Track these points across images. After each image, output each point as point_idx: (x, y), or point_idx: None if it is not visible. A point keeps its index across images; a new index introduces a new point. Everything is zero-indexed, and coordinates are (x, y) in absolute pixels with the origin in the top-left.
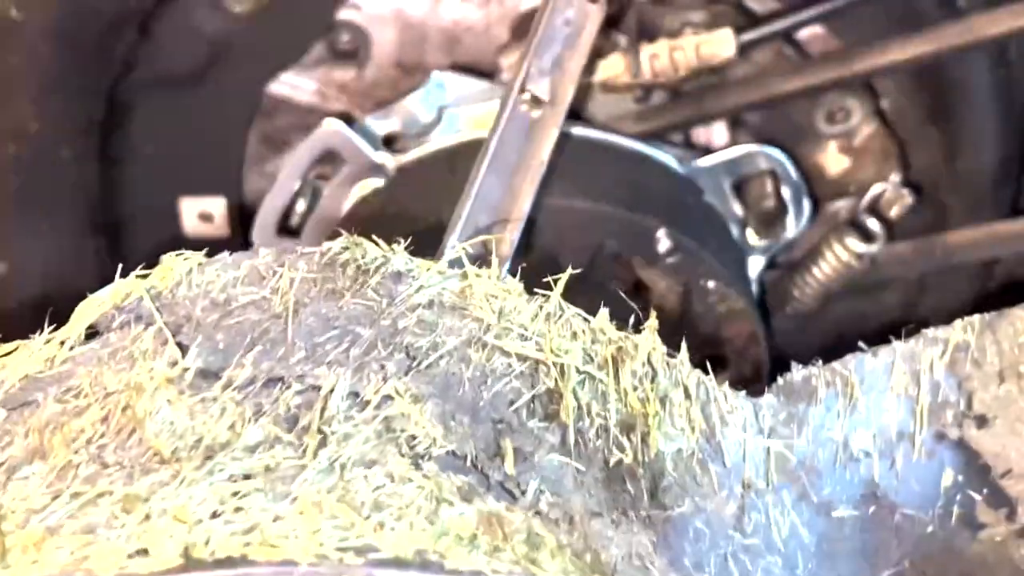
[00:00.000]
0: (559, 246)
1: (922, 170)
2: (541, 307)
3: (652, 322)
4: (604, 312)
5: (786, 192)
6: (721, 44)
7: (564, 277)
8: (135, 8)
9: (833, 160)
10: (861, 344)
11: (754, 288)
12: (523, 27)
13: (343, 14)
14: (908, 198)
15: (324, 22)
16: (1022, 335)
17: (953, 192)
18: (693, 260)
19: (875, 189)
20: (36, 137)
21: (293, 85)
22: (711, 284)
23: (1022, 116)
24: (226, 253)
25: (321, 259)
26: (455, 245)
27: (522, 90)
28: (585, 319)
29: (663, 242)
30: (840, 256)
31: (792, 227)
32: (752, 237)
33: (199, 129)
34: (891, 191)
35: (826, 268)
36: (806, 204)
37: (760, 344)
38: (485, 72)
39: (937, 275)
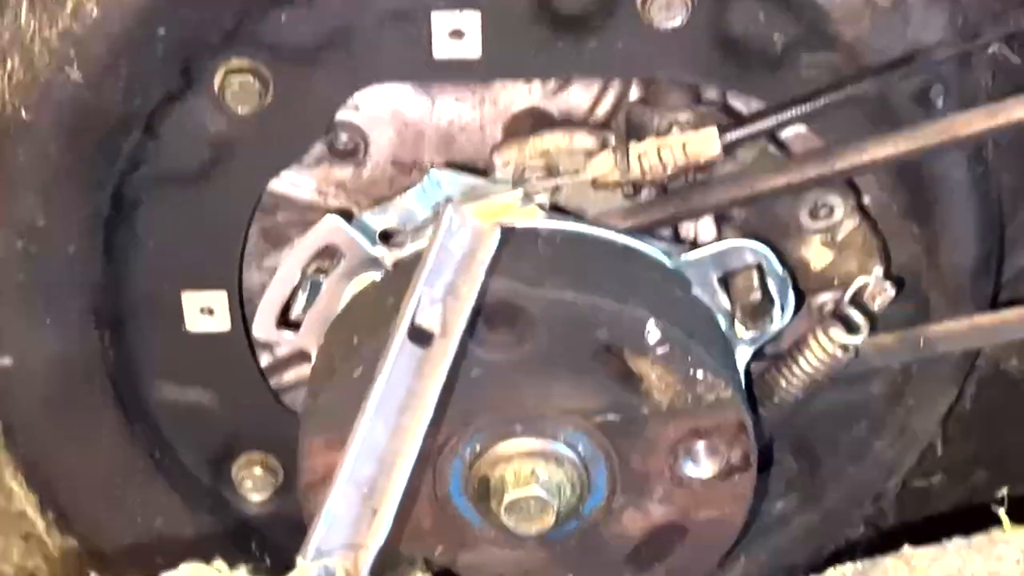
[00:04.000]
0: (552, 337)
1: (904, 264)
2: None
3: None
4: None
5: (772, 285)
6: (707, 143)
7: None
8: (141, 108)
9: (817, 254)
10: None
11: (742, 378)
12: (516, 126)
13: (342, 115)
14: (890, 291)
15: (324, 122)
16: None
17: (934, 285)
18: (682, 350)
19: (858, 282)
20: (43, 232)
21: (293, 183)
22: (700, 374)
23: (999, 212)
24: None
25: None
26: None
27: (411, 323)
28: None
29: (653, 333)
30: (825, 347)
31: (778, 319)
32: (739, 328)
33: (201, 225)
34: (874, 284)
35: (812, 359)
36: (791, 297)
37: (748, 433)
38: (480, 169)
39: (921, 365)
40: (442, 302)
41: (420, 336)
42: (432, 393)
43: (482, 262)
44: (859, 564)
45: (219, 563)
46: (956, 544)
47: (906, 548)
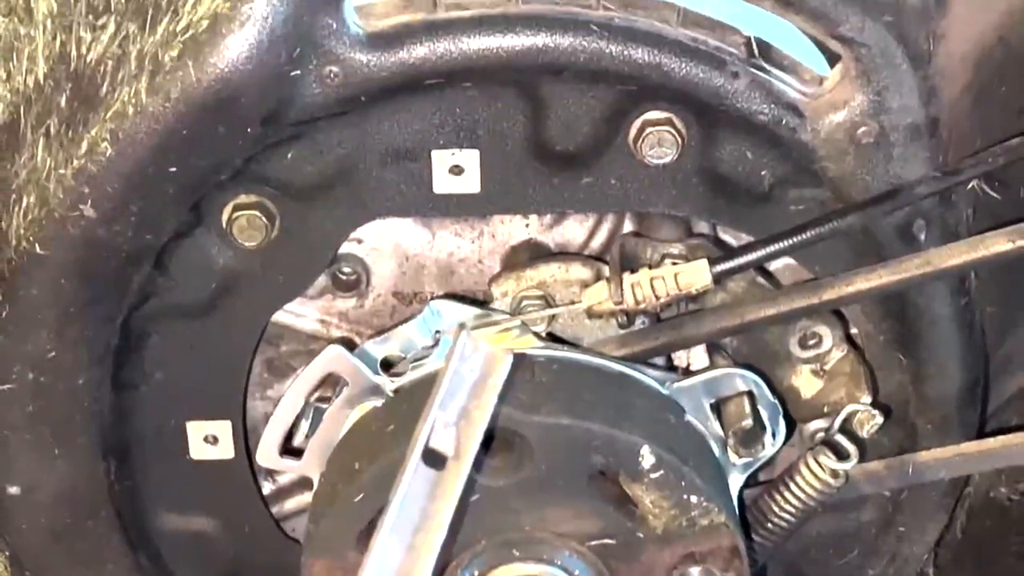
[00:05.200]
0: (548, 462)
1: (891, 392)
2: None
3: None
4: None
5: (763, 412)
6: (698, 274)
7: None
8: (152, 244)
9: (806, 383)
10: None
11: (735, 503)
12: (513, 258)
13: (345, 248)
14: (878, 419)
15: (327, 256)
16: None
17: (921, 413)
18: (676, 475)
19: (847, 410)
20: (54, 364)
21: (297, 313)
22: (694, 499)
23: (983, 343)
24: None
25: None
26: None
27: (426, 446)
28: None
29: (647, 458)
30: (816, 473)
31: (769, 445)
32: (732, 455)
33: (207, 356)
34: (862, 412)
35: (803, 485)
36: (782, 423)
37: (742, 558)
38: (479, 300)
39: (911, 492)
40: (455, 426)
41: (434, 459)
42: (445, 514)
43: (494, 387)
44: None
45: None
46: None
47: None
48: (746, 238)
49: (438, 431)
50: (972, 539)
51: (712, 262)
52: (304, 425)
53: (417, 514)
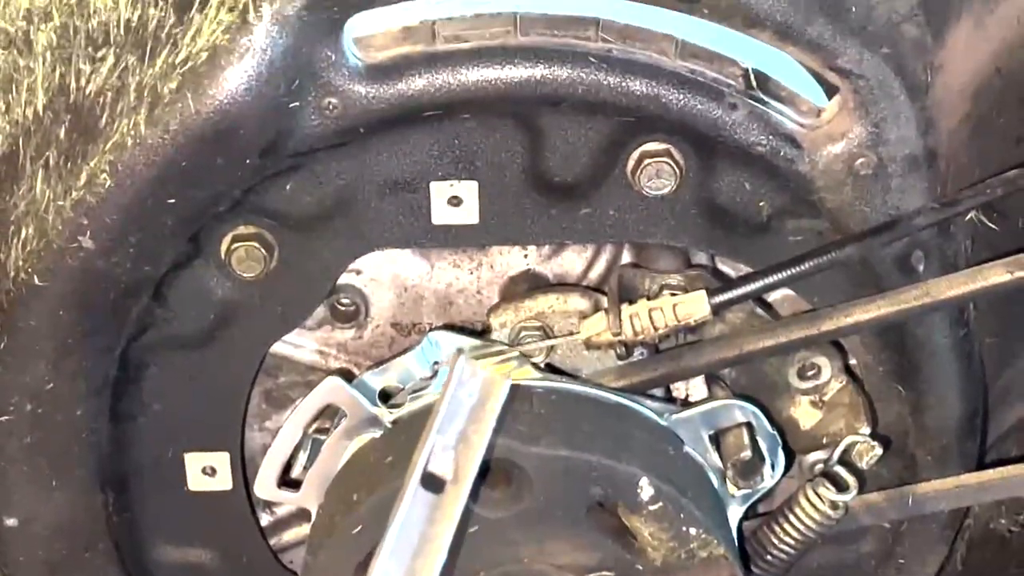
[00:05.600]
0: (547, 494)
1: (890, 423)
2: None
3: None
4: None
5: (762, 443)
6: (696, 305)
7: None
8: (150, 275)
9: (805, 414)
10: None
11: (735, 535)
12: (511, 289)
13: (344, 279)
14: (878, 450)
15: (326, 287)
16: None
17: (921, 445)
18: (675, 507)
19: (846, 441)
20: (52, 395)
21: (295, 344)
22: (692, 530)
23: (982, 374)
24: None
25: None
26: None
27: (424, 470)
28: None
29: (646, 490)
30: (816, 505)
31: (768, 476)
32: (731, 486)
33: (205, 388)
34: (862, 443)
35: (803, 516)
36: (781, 455)
37: None
38: (477, 330)
39: (911, 524)
40: (454, 449)
41: (433, 483)
42: (444, 539)
43: (492, 411)
44: None
45: None
46: None
47: None
48: (744, 269)
49: (437, 455)
50: (972, 571)
51: (711, 293)
52: (302, 456)
53: (416, 538)
